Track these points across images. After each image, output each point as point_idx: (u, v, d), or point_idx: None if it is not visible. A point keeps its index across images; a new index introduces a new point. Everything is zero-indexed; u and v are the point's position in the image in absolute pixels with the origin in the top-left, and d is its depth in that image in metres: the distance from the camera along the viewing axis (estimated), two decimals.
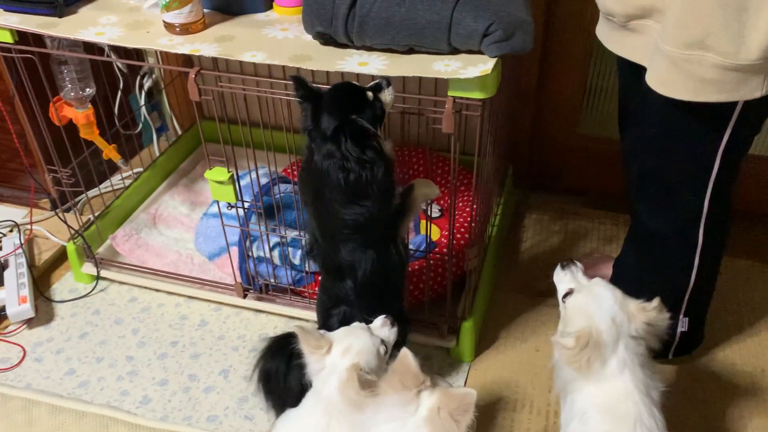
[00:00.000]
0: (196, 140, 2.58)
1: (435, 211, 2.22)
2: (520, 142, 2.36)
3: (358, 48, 1.44)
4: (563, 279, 1.37)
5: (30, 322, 1.95)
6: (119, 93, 2.41)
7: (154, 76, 2.61)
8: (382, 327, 1.33)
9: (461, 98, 1.38)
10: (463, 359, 1.82)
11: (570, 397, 1.30)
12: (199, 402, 1.73)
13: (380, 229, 1.42)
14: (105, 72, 2.06)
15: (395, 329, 1.34)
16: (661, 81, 1.29)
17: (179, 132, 2.66)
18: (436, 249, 1.92)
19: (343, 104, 1.32)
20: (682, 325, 1.69)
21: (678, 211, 1.52)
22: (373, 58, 1.40)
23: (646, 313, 1.23)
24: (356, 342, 1.27)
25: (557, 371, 1.32)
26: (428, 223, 1.75)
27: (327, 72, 1.43)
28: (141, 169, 2.35)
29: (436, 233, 2.09)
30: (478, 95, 1.36)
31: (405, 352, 1.16)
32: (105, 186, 2.24)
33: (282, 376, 1.43)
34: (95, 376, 1.81)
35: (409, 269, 1.82)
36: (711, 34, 1.17)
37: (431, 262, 1.82)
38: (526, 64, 2.17)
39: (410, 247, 1.82)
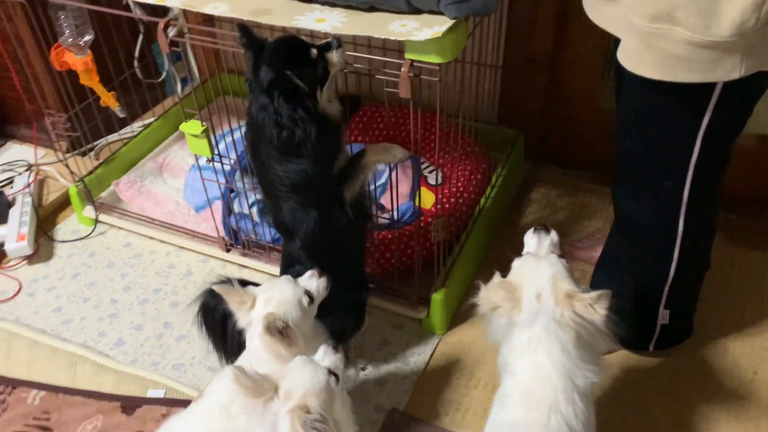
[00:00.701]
0: (213, 92, 2.59)
1: (439, 178, 2.15)
2: (533, 113, 2.24)
3: (321, 3, 1.39)
4: (529, 242, 1.35)
5: (30, 259, 2.05)
6: (139, 41, 2.43)
7: (177, 26, 2.62)
8: (310, 279, 1.33)
9: (419, 62, 1.31)
10: (434, 331, 1.78)
11: (502, 378, 1.25)
12: (170, 349, 1.78)
13: (319, 190, 1.39)
14: (127, 19, 2.10)
15: (323, 279, 1.33)
16: (630, 56, 1.18)
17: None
18: (422, 218, 1.87)
19: (281, 58, 1.29)
20: (663, 317, 1.59)
21: (657, 198, 1.42)
22: (333, 15, 1.35)
23: (575, 302, 1.15)
24: (277, 293, 1.27)
25: (488, 328, 1.27)
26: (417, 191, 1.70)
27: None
28: (153, 120, 2.39)
29: (430, 201, 2.03)
30: (435, 59, 1.29)
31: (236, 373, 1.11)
32: (127, 133, 2.30)
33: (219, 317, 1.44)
34: (79, 316, 1.88)
35: (391, 236, 1.79)
36: (679, 6, 1.06)
37: (405, 231, 1.77)
38: (539, 28, 2.05)
39: (395, 214, 1.78)
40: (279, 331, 1.25)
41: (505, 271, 1.40)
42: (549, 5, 2.00)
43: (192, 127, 1.66)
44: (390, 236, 1.79)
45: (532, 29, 2.07)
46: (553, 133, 2.28)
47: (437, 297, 1.72)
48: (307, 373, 1.14)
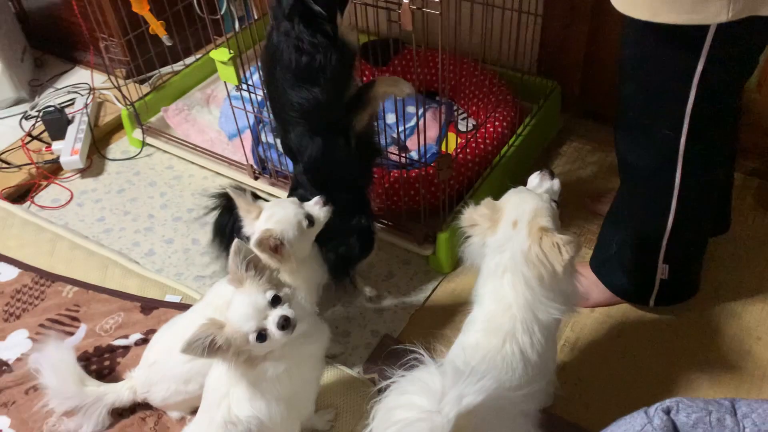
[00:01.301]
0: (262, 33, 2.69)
1: (469, 125, 2.17)
2: (572, 64, 2.21)
3: None
4: (531, 180, 1.37)
5: (83, 173, 2.24)
6: None
7: None
8: (315, 205, 1.40)
9: None
10: (440, 269, 1.83)
11: (473, 308, 1.30)
12: (194, 263, 1.92)
13: (328, 117, 1.45)
14: None
15: (327, 208, 1.39)
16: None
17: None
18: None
19: None
20: (662, 272, 1.58)
21: (654, 146, 1.40)
22: None
23: (544, 238, 1.17)
24: (279, 211, 1.35)
25: (465, 249, 1.31)
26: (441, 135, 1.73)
27: None
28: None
29: (453, 143, 2.05)
30: None
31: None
32: (177, 66, 2.44)
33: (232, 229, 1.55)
34: (118, 226, 2.05)
35: (401, 176, 1.84)
36: None
37: (422, 172, 1.81)
38: None
39: (412, 155, 1.83)
40: (271, 248, 1.34)
41: None
42: None
43: (220, 54, 1.76)
44: (413, 175, 1.84)
45: None
46: (592, 85, 2.24)
47: (443, 236, 1.77)
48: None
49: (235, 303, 1.16)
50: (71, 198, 2.16)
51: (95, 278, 1.83)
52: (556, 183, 1.35)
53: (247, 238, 1.42)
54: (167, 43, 2.17)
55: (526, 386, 1.19)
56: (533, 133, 2.08)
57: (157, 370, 1.43)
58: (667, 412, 1.12)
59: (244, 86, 1.83)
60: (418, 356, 1.09)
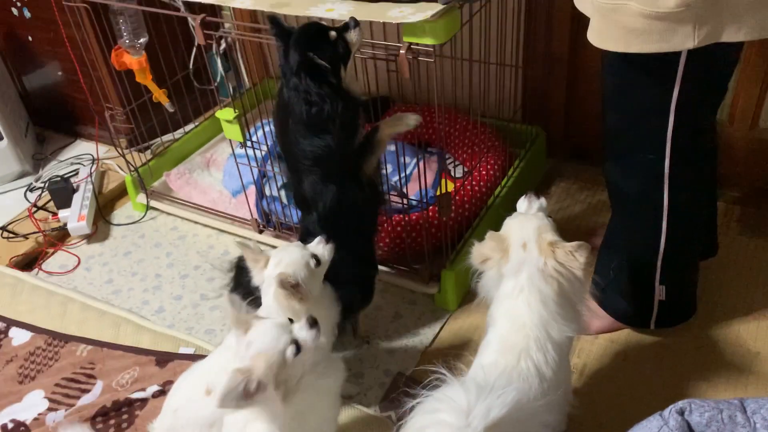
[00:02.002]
0: (261, 96, 2.81)
1: (459, 172, 2.28)
2: (555, 109, 2.34)
3: None
4: (521, 205, 1.44)
5: (89, 239, 2.29)
6: (193, 50, 2.68)
7: (230, 37, 2.87)
8: (317, 245, 1.46)
9: (416, 44, 1.45)
10: (446, 307, 1.89)
11: (487, 331, 1.35)
12: (203, 317, 1.96)
13: (341, 164, 1.54)
14: (183, 29, 2.34)
15: (330, 246, 1.45)
16: (595, 33, 1.29)
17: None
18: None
19: (305, 42, 1.45)
20: (659, 293, 1.65)
21: (641, 171, 1.49)
22: (341, 6, 1.52)
23: (556, 250, 1.24)
24: (286, 256, 1.41)
25: (479, 284, 1.37)
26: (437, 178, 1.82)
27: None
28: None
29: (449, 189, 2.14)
30: (429, 41, 1.43)
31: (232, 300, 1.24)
32: (178, 133, 2.54)
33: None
34: (127, 287, 2.09)
35: (405, 220, 1.92)
36: None
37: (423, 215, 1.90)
38: (556, 28, 2.16)
39: (412, 197, 1.92)
40: (291, 287, 1.39)
41: None
42: (564, 5, 2.11)
43: (226, 113, 1.86)
44: (414, 218, 1.92)
45: (550, 29, 2.18)
46: (574, 130, 2.37)
47: (448, 274, 1.84)
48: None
49: (257, 334, 1.18)
50: (78, 263, 2.20)
51: (108, 336, 1.85)
52: (542, 201, 1.43)
53: (256, 289, 1.48)
54: (170, 109, 2.27)
55: (542, 399, 1.23)
56: (522, 175, 2.18)
57: (182, 415, 1.45)
58: (681, 413, 1.17)
59: (249, 143, 1.92)
60: (441, 376, 1.14)
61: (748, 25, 1.15)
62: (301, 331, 1.21)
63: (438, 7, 1.42)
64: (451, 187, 2.15)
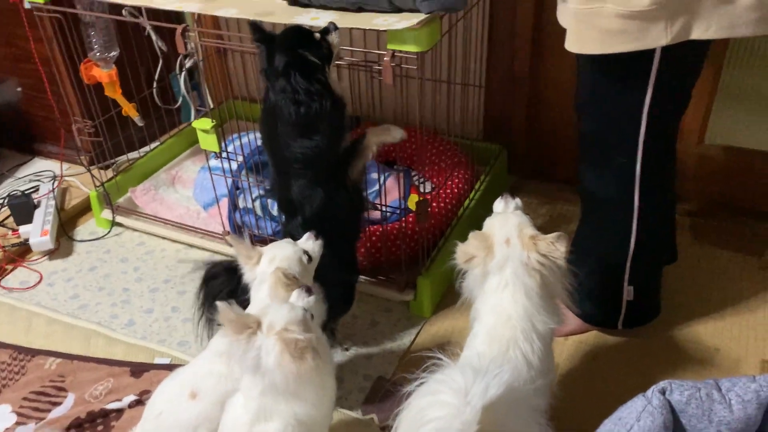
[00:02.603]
0: (225, 117, 2.82)
1: (426, 187, 2.34)
2: (515, 129, 2.44)
3: (317, 7, 1.61)
4: (497, 206, 1.49)
5: (51, 255, 2.23)
6: (158, 69, 2.68)
7: (194, 58, 2.88)
8: (307, 240, 1.48)
9: (400, 52, 1.51)
10: (421, 314, 1.92)
11: (472, 327, 1.40)
12: (176, 329, 1.93)
13: (329, 166, 1.57)
14: (151, 52, 2.35)
15: (319, 242, 1.48)
16: (574, 40, 1.38)
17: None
18: (410, 216, 2.04)
19: (292, 43, 1.49)
20: (628, 294, 1.73)
21: (614, 174, 1.58)
22: (325, 15, 1.57)
23: (538, 242, 1.31)
24: (280, 252, 1.43)
25: (464, 284, 1.40)
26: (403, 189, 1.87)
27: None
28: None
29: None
30: (413, 48, 1.49)
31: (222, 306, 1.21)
32: (145, 151, 2.52)
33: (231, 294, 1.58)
34: (94, 301, 2.04)
35: (382, 230, 1.95)
36: None
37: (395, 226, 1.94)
38: (517, 49, 2.27)
39: (389, 207, 1.96)
40: (289, 280, 1.37)
41: None
42: (525, 28, 2.23)
43: (202, 123, 1.87)
44: (386, 228, 1.96)
45: (511, 51, 2.29)
46: (535, 148, 2.48)
47: (424, 281, 1.88)
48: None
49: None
50: (41, 279, 2.14)
51: (78, 349, 1.80)
52: (518, 200, 1.48)
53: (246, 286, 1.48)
54: (139, 123, 2.26)
55: (531, 384, 1.28)
56: (488, 190, 2.26)
57: (165, 419, 1.42)
58: (663, 392, 1.24)
59: (224, 154, 1.94)
60: (437, 361, 1.18)
61: (716, 23, 1.25)
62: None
63: (420, 16, 1.49)
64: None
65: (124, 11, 2.07)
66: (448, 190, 2.15)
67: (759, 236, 2.15)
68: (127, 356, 1.78)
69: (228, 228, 2.12)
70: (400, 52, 1.52)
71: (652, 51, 1.34)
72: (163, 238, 2.28)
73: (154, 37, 2.46)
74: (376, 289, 1.96)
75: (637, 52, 1.30)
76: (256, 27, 1.51)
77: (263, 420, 1.26)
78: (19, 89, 2.55)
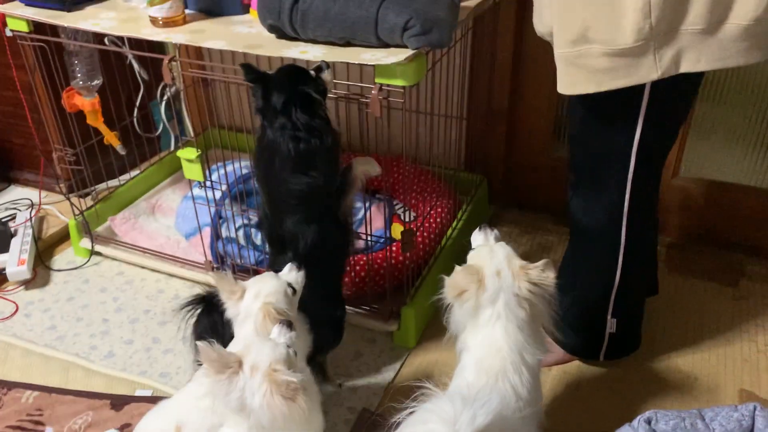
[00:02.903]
0: (206, 145, 2.82)
1: (408, 216, 2.35)
2: (494, 160, 2.48)
3: (305, 41, 1.63)
4: (477, 239, 1.50)
5: (27, 285, 2.19)
6: (138, 98, 2.68)
7: (174, 88, 2.88)
8: (290, 272, 1.48)
9: (387, 85, 1.54)
10: (405, 344, 1.93)
11: (460, 359, 1.40)
12: (157, 360, 1.90)
13: (323, 202, 1.57)
14: (133, 82, 2.35)
15: (302, 272, 1.47)
16: (566, 83, 1.39)
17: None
18: (394, 245, 2.05)
19: (290, 80, 1.51)
20: (610, 326, 1.75)
21: (603, 207, 1.60)
22: (314, 49, 1.59)
23: (528, 272, 1.32)
24: (264, 286, 1.41)
25: (451, 318, 1.40)
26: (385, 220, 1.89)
27: (281, 59, 1.62)
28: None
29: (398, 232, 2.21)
30: (400, 82, 1.52)
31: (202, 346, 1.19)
32: (124, 179, 2.50)
33: (220, 327, 1.57)
34: (72, 332, 2.01)
35: (366, 259, 1.96)
36: (590, 27, 1.30)
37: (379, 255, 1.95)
38: (497, 84, 2.32)
39: (374, 236, 1.97)
40: (278, 314, 1.36)
41: None
42: (505, 61, 2.28)
43: (187, 153, 1.87)
44: (371, 258, 1.97)
45: (491, 85, 2.34)
46: (514, 178, 2.52)
47: (408, 311, 1.88)
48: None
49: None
50: (17, 310, 2.09)
51: (56, 382, 1.77)
52: (496, 232, 1.50)
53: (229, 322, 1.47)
54: (121, 152, 2.25)
55: (518, 413, 1.28)
56: (470, 219, 2.29)
57: None
58: (648, 422, 1.26)
59: (208, 183, 1.93)
60: (425, 390, 1.18)
61: (706, 56, 1.27)
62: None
63: (407, 51, 1.52)
64: (401, 229, 2.22)
65: (106, 40, 2.09)
66: (431, 220, 2.17)
67: (733, 267, 2.20)
68: (107, 388, 1.74)
69: (210, 257, 2.10)
70: (387, 85, 1.54)
71: (642, 86, 1.36)
72: (143, 267, 2.25)
73: (135, 66, 2.49)
74: (360, 319, 1.96)
75: (627, 88, 1.33)
76: (248, 68, 1.53)
77: None
78: None
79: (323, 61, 1.55)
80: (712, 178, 2.25)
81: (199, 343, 1.20)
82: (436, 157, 2.33)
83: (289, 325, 1.31)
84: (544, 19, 1.46)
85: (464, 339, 1.40)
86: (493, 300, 1.33)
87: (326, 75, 1.54)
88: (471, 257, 1.44)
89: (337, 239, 1.67)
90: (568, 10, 1.32)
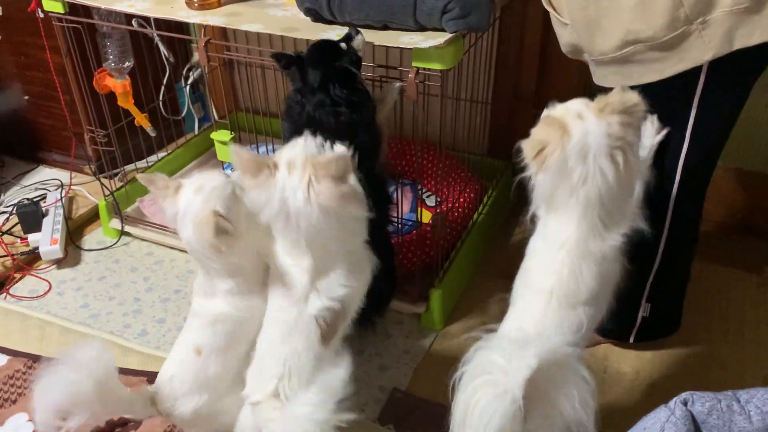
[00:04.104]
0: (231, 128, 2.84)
1: (432, 201, 2.37)
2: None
3: (341, 24, 1.64)
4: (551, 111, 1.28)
5: (59, 264, 2.22)
6: (165, 80, 2.70)
7: (199, 70, 2.90)
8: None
9: (424, 69, 1.55)
10: (433, 326, 1.95)
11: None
12: None
13: (364, 164, 1.57)
14: (160, 64, 2.37)
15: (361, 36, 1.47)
16: (625, 75, 1.38)
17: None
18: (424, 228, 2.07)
19: (323, 57, 1.51)
20: (644, 310, 1.75)
21: (648, 197, 1.59)
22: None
23: (610, 100, 1.15)
24: (209, 182, 1.23)
25: (535, 194, 1.27)
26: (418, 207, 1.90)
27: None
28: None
29: (426, 217, 2.24)
30: (437, 66, 1.53)
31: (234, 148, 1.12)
32: (151, 160, 2.52)
33: None
34: (105, 311, 2.04)
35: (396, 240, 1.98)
36: (630, 30, 1.31)
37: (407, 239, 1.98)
38: (524, 68, 2.32)
39: (401, 219, 1.99)
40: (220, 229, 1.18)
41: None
42: (533, 47, 2.29)
43: (221, 135, 1.89)
44: (408, 239, 1.99)
45: (519, 69, 2.34)
46: None
47: (436, 293, 1.91)
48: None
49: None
50: (50, 288, 2.13)
51: None
52: None
53: None
54: (152, 134, 2.27)
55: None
56: (495, 204, 2.31)
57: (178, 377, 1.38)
58: (685, 403, 1.27)
59: None
60: (476, 336, 1.16)
61: (759, 29, 1.24)
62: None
63: (445, 35, 1.53)
64: (427, 215, 2.24)
65: (133, 21, 2.11)
66: (458, 205, 2.19)
67: (758, 254, 2.21)
68: (142, 366, 1.78)
69: None
70: (423, 69, 1.55)
71: (698, 71, 1.35)
72: (172, 248, 2.28)
73: (162, 48, 2.50)
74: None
75: (683, 73, 1.32)
76: (279, 56, 1.52)
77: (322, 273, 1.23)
78: (26, 97, 2.55)
79: (351, 27, 1.54)
80: (737, 166, 2.25)
81: (233, 144, 1.13)
82: (461, 142, 2.34)
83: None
84: (564, 39, 1.47)
85: (542, 209, 1.27)
86: (583, 153, 1.14)
87: (357, 41, 1.52)
88: (546, 114, 1.25)
89: (380, 193, 1.65)
90: (606, 17, 1.32)
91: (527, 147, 1.19)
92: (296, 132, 1.60)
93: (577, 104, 1.20)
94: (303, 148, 1.19)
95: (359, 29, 1.53)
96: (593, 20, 1.36)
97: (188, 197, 1.22)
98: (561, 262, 1.24)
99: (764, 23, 1.25)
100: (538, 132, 1.19)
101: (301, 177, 1.13)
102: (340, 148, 1.25)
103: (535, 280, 1.31)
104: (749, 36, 1.26)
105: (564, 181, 1.18)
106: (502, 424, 1.06)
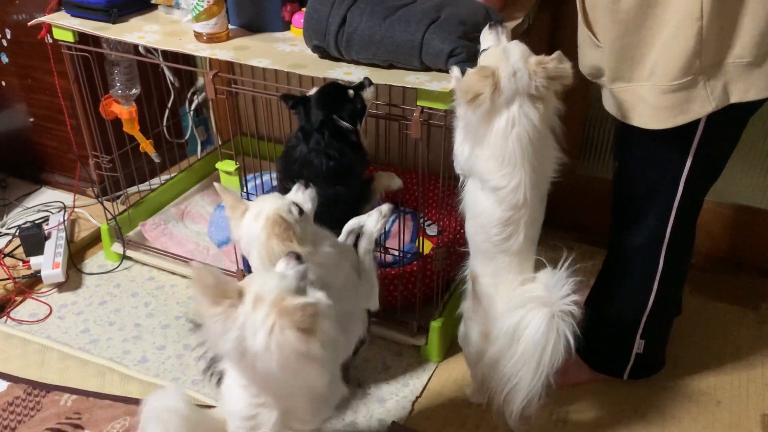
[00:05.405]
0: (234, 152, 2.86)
1: (433, 230, 2.40)
2: None
3: (348, 62, 1.67)
4: (487, 38, 1.41)
5: (60, 287, 2.23)
6: (169, 104, 2.72)
7: (203, 94, 2.93)
8: (297, 192, 1.36)
9: (428, 108, 1.58)
10: (431, 359, 1.96)
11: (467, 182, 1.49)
12: (189, 367, 1.94)
13: (344, 211, 1.62)
14: (165, 88, 2.39)
15: (310, 190, 1.36)
16: (638, 115, 1.43)
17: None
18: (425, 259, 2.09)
19: (326, 101, 1.56)
20: (638, 347, 1.78)
21: (644, 235, 1.63)
22: (357, 70, 1.64)
23: (546, 66, 1.28)
24: (266, 206, 1.29)
25: (458, 125, 1.41)
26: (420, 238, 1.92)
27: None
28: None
29: (428, 248, 2.26)
30: (441, 106, 1.56)
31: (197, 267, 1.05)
32: (154, 182, 2.54)
33: None
34: (105, 336, 2.05)
35: (394, 272, 2.00)
36: (656, 64, 1.35)
37: (407, 269, 1.99)
38: None
39: (402, 250, 2.01)
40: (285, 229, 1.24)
41: None
42: None
43: (226, 165, 1.91)
44: (394, 273, 2.01)
45: None
46: None
47: (435, 325, 1.92)
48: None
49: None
50: (50, 312, 2.13)
51: (93, 386, 1.81)
52: (507, 29, 1.42)
53: None
54: (156, 159, 2.30)
55: None
56: None
57: None
58: None
59: (245, 195, 1.97)
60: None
61: (755, 85, 1.31)
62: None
63: (449, 76, 1.56)
64: (428, 245, 2.26)
65: (141, 49, 2.13)
66: (458, 236, 2.20)
67: (755, 291, 2.23)
68: (142, 394, 1.78)
69: (242, 267, 2.14)
70: (428, 108, 1.58)
71: (696, 121, 1.39)
72: (173, 273, 2.29)
73: (168, 74, 2.53)
74: (388, 332, 2.00)
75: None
76: (286, 98, 1.59)
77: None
78: (31, 119, 2.57)
79: (366, 78, 1.58)
80: (733, 201, 2.28)
81: (194, 263, 1.06)
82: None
83: (298, 257, 1.13)
84: (590, 60, 1.50)
85: (468, 158, 1.42)
86: (508, 103, 1.29)
87: (367, 93, 1.58)
88: (483, 59, 1.36)
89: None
90: (639, 47, 1.35)
91: (461, 91, 1.30)
92: (287, 169, 1.65)
93: (515, 58, 1.29)
94: (277, 282, 1.07)
95: (372, 81, 1.58)
96: (627, 48, 1.38)
97: (249, 222, 1.28)
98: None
99: (760, 81, 1.30)
100: (474, 79, 1.27)
101: (265, 318, 1.01)
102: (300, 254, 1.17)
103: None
104: (746, 91, 1.30)
105: (487, 123, 1.31)
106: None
